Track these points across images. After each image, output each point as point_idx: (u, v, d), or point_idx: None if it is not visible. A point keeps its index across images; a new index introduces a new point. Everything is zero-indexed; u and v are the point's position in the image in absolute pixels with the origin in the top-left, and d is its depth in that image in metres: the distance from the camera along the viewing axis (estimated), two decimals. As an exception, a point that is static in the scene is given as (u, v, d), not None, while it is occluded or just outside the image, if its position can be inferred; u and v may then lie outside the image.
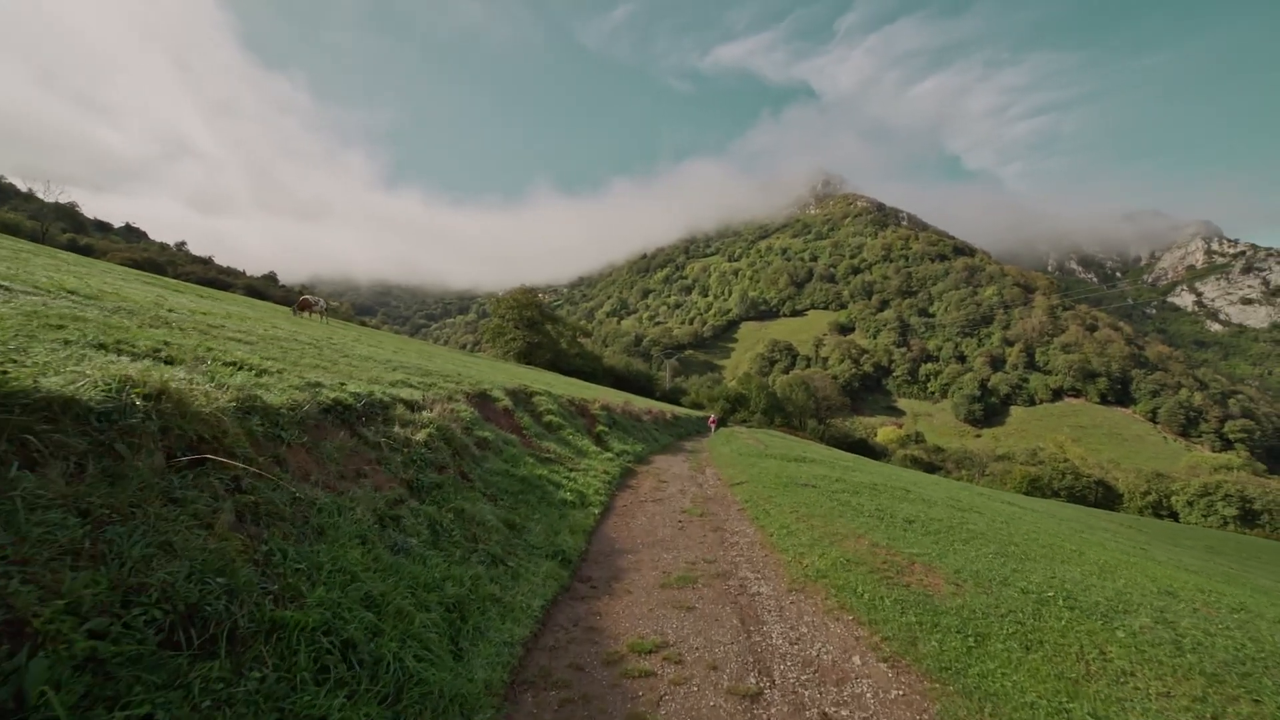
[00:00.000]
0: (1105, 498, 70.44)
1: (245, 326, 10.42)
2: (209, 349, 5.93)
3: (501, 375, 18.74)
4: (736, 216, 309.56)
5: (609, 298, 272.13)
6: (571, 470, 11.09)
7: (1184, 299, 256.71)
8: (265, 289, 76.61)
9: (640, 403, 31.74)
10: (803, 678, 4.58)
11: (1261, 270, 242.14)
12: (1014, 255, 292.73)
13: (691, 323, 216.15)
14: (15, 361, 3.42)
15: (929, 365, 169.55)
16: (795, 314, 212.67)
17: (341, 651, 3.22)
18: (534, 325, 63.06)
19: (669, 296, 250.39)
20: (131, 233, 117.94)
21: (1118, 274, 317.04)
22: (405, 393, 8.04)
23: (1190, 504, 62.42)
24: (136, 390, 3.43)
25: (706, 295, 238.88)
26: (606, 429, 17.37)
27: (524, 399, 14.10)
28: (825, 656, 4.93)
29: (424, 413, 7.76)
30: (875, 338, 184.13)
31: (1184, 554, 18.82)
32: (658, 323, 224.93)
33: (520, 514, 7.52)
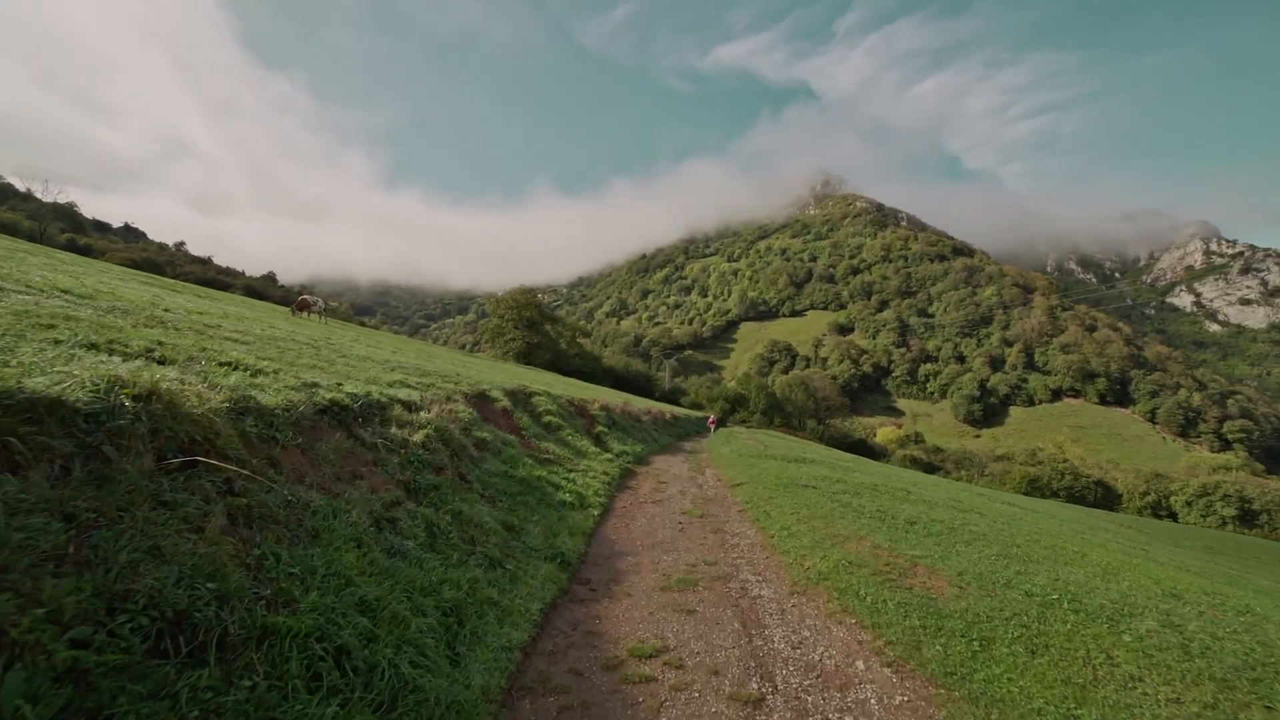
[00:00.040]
0: (1104, 498, 70.46)
1: (242, 326, 10.33)
2: (204, 349, 5.85)
3: (500, 375, 18.66)
4: (736, 217, 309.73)
5: (608, 298, 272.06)
6: (570, 471, 11.01)
7: (1183, 299, 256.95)
8: (264, 289, 76.45)
9: (639, 403, 31.67)
10: (805, 683, 4.50)
11: (1260, 271, 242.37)
12: (1013, 255, 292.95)
13: (691, 323, 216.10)
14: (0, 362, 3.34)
15: (928, 365, 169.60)
16: (794, 314, 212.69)
17: (335, 658, 3.15)
18: (533, 325, 63.01)
19: (668, 297, 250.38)
20: (130, 233, 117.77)
21: (1117, 274, 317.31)
22: (403, 393, 7.96)
23: (1189, 504, 62.45)
24: (126, 391, 3.36)
25: (706, 295, 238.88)
26: (606, 429, 17.29)
27: (523, 399, 14.02)
28: (828, 661, 4.86)
29: (422, 413, 7.68)
30: (874, 338, 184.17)
31: (1184, 555, 18.77)
32: (657, 323, 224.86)
33: (519, 516, 7.44)
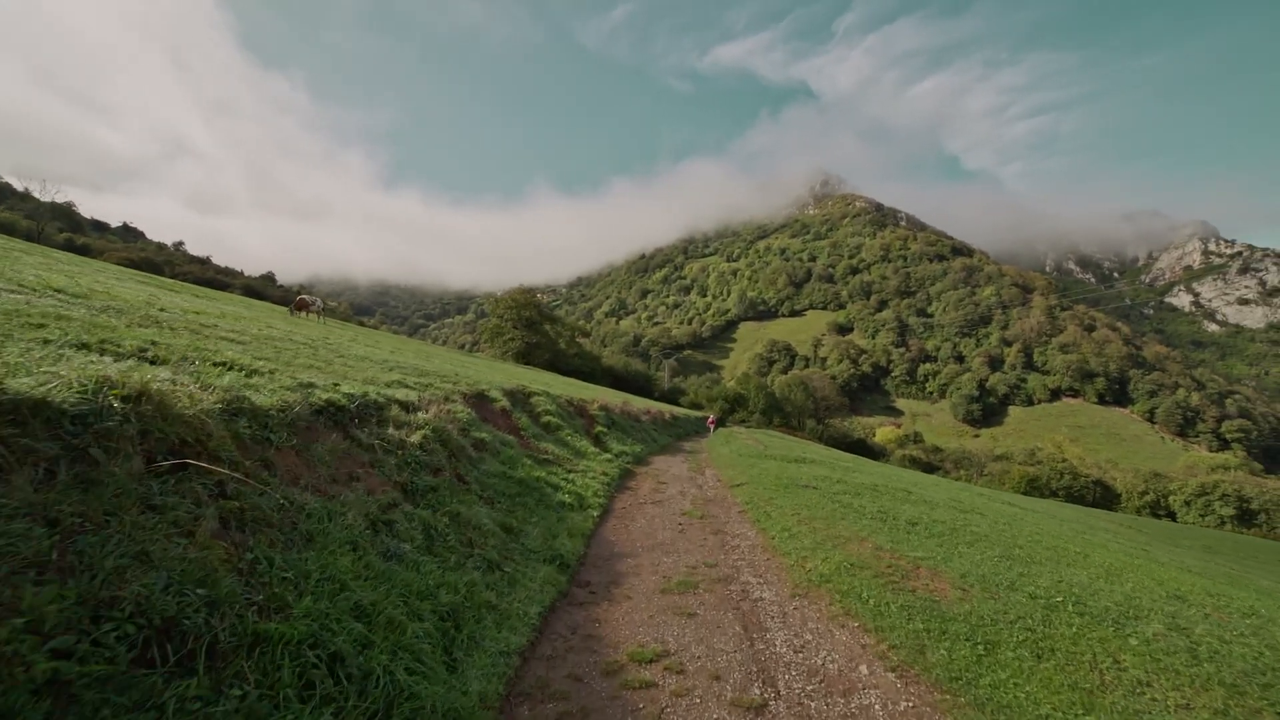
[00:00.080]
0: (1103, 497, 70.51)
1: (239, 326, 10.25)
2: (199, 349, 5.77)
3: (499, 375, 18.58)
4: (735, 216, 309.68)
5: (608, 298, 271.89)
6: (570, 472, 10.94)
7: (1181, 299, 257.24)
8: (263, 289, 76.28)
9: (639, 403, 31.59)
10: (808, 688, 4.43)
11: (1258, 271, 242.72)
12: (1012, 255, 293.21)
13: (690, 323, 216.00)
14: (-14, 361, 3.26)
15: (927, 365, 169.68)
16: (794, 314, 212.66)
17: (328, 665, 3.07)
18: (532, 325, 62.87)
19: (668, 296, 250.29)
20: (129, 232, 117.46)
21: (1115, 274, 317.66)
22: (400, 393, 7.88)
23: (1188, 504, 62.49)
24: (115, 392, 3.28)
25: (705, 295, 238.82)
26: (605, 430, 17.22)
27: (522, 399, 13.94)
28: (831, 665, 4.79)
29: (419, 414, 7.60)
30: (874, 338, 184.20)
31: (1184, 555, 18.73)
32: (656, 323, 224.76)
33: (517, 517, 7.36)
